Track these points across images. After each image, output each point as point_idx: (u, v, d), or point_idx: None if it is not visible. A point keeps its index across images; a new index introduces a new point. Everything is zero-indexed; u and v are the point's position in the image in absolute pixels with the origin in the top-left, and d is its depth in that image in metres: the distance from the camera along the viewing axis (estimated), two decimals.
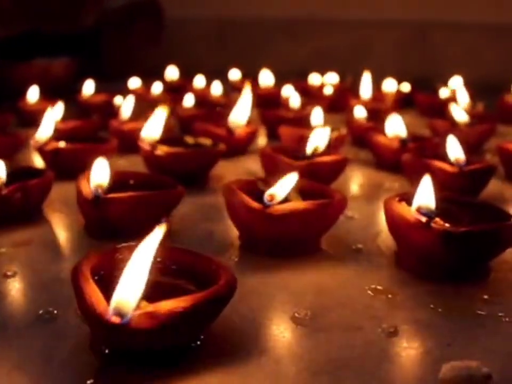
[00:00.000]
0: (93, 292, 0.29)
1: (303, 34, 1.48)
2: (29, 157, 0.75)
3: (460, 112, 0.78)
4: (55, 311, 0.36)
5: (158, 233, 0.31)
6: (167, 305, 0.29)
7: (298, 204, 0.43)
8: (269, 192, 0.42)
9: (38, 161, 0.72)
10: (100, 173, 0.47)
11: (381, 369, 0.31)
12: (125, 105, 0.76)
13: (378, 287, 0.41)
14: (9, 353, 0.32)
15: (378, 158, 0.69)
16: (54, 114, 0.70)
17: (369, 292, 0.40)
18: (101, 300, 0.29)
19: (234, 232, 0.49)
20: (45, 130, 0.63)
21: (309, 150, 0.57)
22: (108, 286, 0.31)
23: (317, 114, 0.72)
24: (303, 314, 0.37)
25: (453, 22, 1.37)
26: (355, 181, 0.65)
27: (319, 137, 0.57)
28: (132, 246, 0.36)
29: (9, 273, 0.42)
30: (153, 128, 0.61)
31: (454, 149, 0.56)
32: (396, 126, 0.67)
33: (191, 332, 0.31)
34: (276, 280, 0.41)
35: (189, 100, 0.88)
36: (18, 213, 0.51)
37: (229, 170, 0.67)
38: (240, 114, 0.71)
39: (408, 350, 0.33)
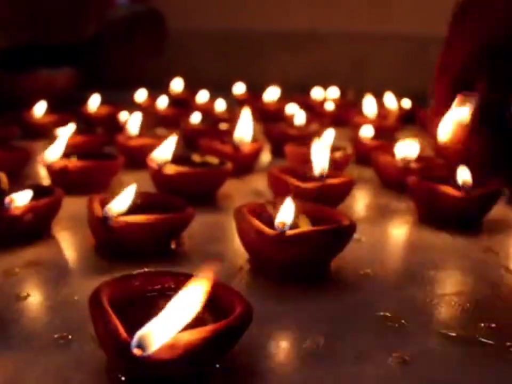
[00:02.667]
0: (113, 322, 0.29)
1: (304, 48, 1.49)
2: (34, 171, 0.75)
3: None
4: (70, 336, 0.37)
5: (201, 284, 0.31)
6: (185, 337, 0.29)
7: (309, 229, 0.43)
8: (278, 220, 0.43)
9: (43, 174, 0.73)
10: (122, 199, 0.47)
11: None
12: (132, 122, 0.76)
13: (388, 314, 0.41)
14: (26, 378, 0.32)
15: (382, 178, 0.70)
16: (66, 133, 0.70)
17: (379, 319, 0.40)
18: (121, 331, 0.29)
19: (243, 255, 0.49)
20: (55, 149, 0.63)
21: (316, 171, 0.57)
22: (124, 313, 0.31)
23: (328, 135, 0.72)
24: (316, 342, 0.37)
25: None
26: (361, 202, 0.66)
27: (321, 157, 0.58)
28: (146, 273, 0.36)
29: (22, 294, 0.42)
30: (164, 149, 0.61)
31: (463, 172, 0.56)
32: (405, 149, 0.68)
33: (208, 361, 0.31)
34: (287, 306, 0.41)
35: (195, 117, 0.89)
36: (28, 232, 0.51)
37: (236, 189, 0.67)
38: (244, 131, 0.72)
39: (416, 379, 0.34)
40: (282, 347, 0.37)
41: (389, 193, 0.68)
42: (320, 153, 0.58)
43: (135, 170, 0.72)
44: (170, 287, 0.36)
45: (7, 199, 0.49)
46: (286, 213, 0.43)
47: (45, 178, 0.72)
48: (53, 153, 0.63)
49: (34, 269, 0.46)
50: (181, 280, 0.35)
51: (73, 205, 0.57)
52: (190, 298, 0.30)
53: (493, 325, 0.40)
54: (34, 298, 0.42)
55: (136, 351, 0.28)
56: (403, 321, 0.40)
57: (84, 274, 0.46)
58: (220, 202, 0.64)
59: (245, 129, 0.71)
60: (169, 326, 0.29)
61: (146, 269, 0.40)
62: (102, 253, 0.50)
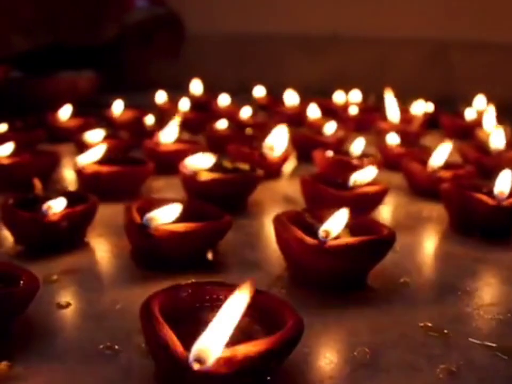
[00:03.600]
0: (169, 336, 0.29)
1: (323, 51, 1.49)
2: (62, 176, 0.76)
3: (497, 138, 0.78)
4: (116, 346, 0.37)
5: (246, 291, 0.31)
6: (242, 350, 0.29)
7: (352, 240, 0.43)
8: (323, 228, 0.43)
9: (70, 178, 0.73)
10: (167, 211, 0.47)
11: None
12: (169, 129, 0.76)
13: (430, 324, 0.41)
14: None
15: (413, 185, 0.70)
16: (96, 138, 0.70)
17: (422, 329, 0.40)
18: (178, 345, 0.29)
19: (280, 262, 0.49)
20: (90, 155, 0.63)
21: (352, 181, 0.57)
22: (173, 325, 0.31)
23: (357, 143, 0.72)
24: (363, 353, 0.37)
25: (474, 41, 1.38)
26: (393, 210, 0.65)
27: (364, 174, 0.58)
28: (194, 284, 0.36)
29: (62, 303, 0.42)
30: (199, 157, 0.61)
31: (503, 182, 0.56)
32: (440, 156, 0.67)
33: (262, 374, 0.31)
34: (329, 316, 0.41)
35: (221, 123, 0.89)
36: (64, 239, 0.51)
37: (266, 196, 0.67)
38: (278, 139, 0.72)
39: None
40: (329, 358, 0.36)
41: (420, 200, 0.68)
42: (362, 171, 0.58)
43: (163, 175, 0.72)
44: (218, 298, 0.36)
45: (44, 206, 0.49)
46: (334, 223, 0.43)
47: (73, 183, 0.72)
48: (85, 158, 0.63)
49: (73, 277, 0.46)
50: (230, 290, 0.35)
51: (105, 211, 0.57)
52: (233, 307, 0.30)
53: None
54: (76, 307, 0.42)
55: (195, 365, 0.28)
56: (445, 331, 0.40)
57: (123, 283, 0.46)
58: (251, 209, 0.63)
59: (277, 141, 0.71)
60: (220, 338, 0.29)
61: (193, 280, 0.40)
62: (138, 260, 0.50)
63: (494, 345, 0.38)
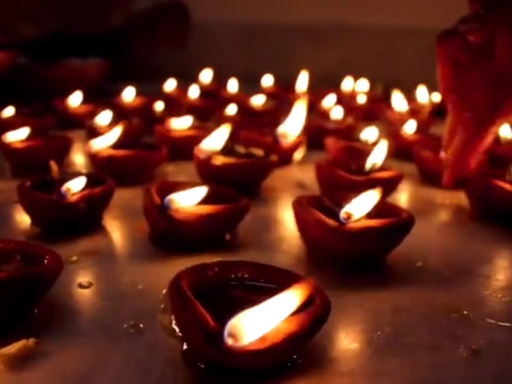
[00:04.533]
0: (201, 312, 0.30)
1: (330, 40, 1.49)
2: (74, 160, 0.76)
3: (506, 128, 0.78)
4: (141, 325, 0.37)
5: (301, 289, 0.31)
6: (275, 328, 0.29)
7: (373, 222, 0.43)
8: (345, 209, 0.43)
9: (81, 162, 0.73)
10: (189, 195, 0.47)
11: None
12: (181, 121, 0.76)
13: (449, 305, 0.41)
14: (108, 367, 0.32)
15: (424, 172, 0.70)
16: (104, 121, 0.70)
17: (442, 310, 0.40)
18: (211, 321, 0.29)
19: (298, 245, 0.49)
20: (104, 139, 0.63)
21: (368, 165, 0.57)
22: (202, 302, 0.31)
23: (370, 131, 0.72)
24: (386, 332, 0.37)
25: None
26: (406, 196, 0.66)
27: (379, 152, 0.58)
28: (220, 262, 0.36)
29: (84, 283, 0.42)
30: (213, 140, 0.61)
31: None
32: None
33: (291, 353, 0.31)
34: (349, 297, 0.42)
35: (231, 109, 0.89)
36: (82, 221, 0.52)
37: (280, 181, 0.67)
38: (292, 126, 0.72)
39: (490, 371, 0.34)
40: (352, 337, 0.37)
41: (432, 187, 0.68)
42: (375, 150, 0.58)
43: (175, 161, 0.72)
44: (244, 277, 0.36)
45: (63, 188, 0.49)
46: (357, 206, 0.43)
47: (85, 167, 0.72)
48: (99, 142, 0.63)
49: (92, 258, 0.47)
50: (257, 270, 0.36)
51: (119, 195, 0.57)
52: (287, 299, 0.30)
53: None
54: (97, 287, 0.42)
55: (229, 340, 0.28)
56: (465, 312, 0.40)
57: (143, 263, 0.46)
58: (265, 194, 0.64)
59: (294, 123, 0.72)
60: (261, 320, 0.29)
61: (219, 259, 0.40)
62: (156, 242, 0.50)
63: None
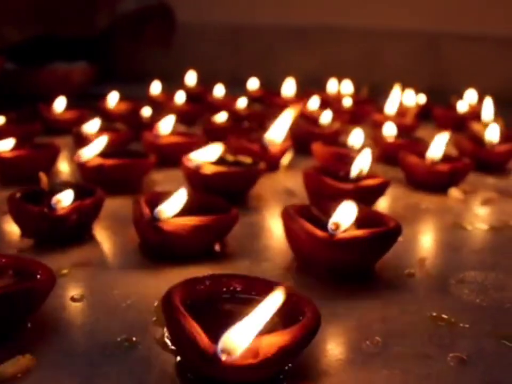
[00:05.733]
0: (194, 327, 0.30)
1: (315, 42, 1.49)
2: (61, 169, 0.76)
3: (493, 132, 0.79)
4: (134, 338, 0.37)
5: (279, 295, 0.32)
6: (266, 341, 0.30)
7: (361, 233, 0.44)
8: (333, 220, 0.44)
9: (67, 170, 0.73)
10: (173, 202, 0.47)
11: None
12: (165, 123, 0.77)
13: (436, 314, 0.42)
14: (99, 382, 0.33)
15: (410, 177, 0.71)
16: (92, 129, 0.70)
17: (430, 319, 0.41)
18: (203, 336, 0.30)
19: (286, 254, 0.50)
20: (92, 148, 0.64)
21: (354, 172, 0.58)
22: (194, 316, 0.32)
23: (356, 135, 0.73)
24: (375, 342, 0.38)
25: (464, 33, 1.39)
26: (391, 202, 0.66)
27: (364, 159, 0.58)
28: (212, 276, 0.37)
29: (76, 296, 0.43)
30: (206, 153, 0.62)
31: None
32: (437, 148, 0.69)
33: (284, 364, 0.32)
34: (339, 307, 0.42)
35: (220, 116, 0.89)
36: (72, 232, 0.52)
37: (267, 188, 0.68)
38: (277, 132, 0.72)
39: (478, 378, 0.34)
40: (342, 347, 0.37)
41: (418, 192, 0.69)
42: (361, 156, 0.59)
43: (163, 168, 0.72)
44: (235, 290, 0.37)
45: (54, 200, 0.50)
46: (344, 216, 0.44)
47: (73, 176, 0.72)
48: (88, 151, 0.64)
49: (83, 270, 0.47)
50: (245, 282, 0.36)
51: (109, 204, 0.58)
52: (268, 305, 0.31)
53: None
54: (90, 300, 0.42)
55: (222, 356, 0.29)
56: (453, 320, 0.41)
57: (134, 275, 0.46)
58: (253, 202, 0.64)
59: (280, 130, 0.72)
60: (249, 331, 0.30)
61: (204, 271, 0.41)
62: (146, 253, 0.50)
63: (499, 333, 0.40)
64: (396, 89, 1.07)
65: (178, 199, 0.47)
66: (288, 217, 0.46)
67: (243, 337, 0.29)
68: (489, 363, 0.36)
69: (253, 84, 1.25)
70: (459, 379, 0.34)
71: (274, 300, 0.32)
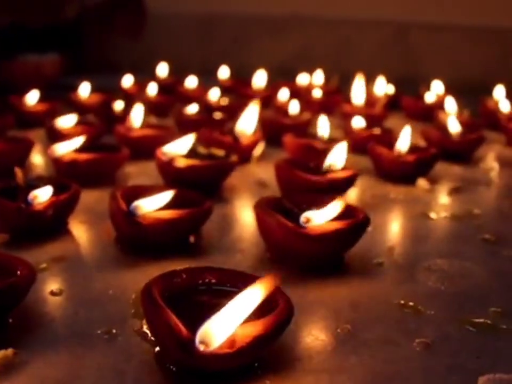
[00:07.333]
0: (173, 319, 0.31)
1: (286, 32, 1.50)
2: (34, 162, 0.76)
3: (453, 123, 0.82)
4: (114, 330, 0.38)
5: (262, 286, 0.33)
6: (241, 332, 0.31)
7: (330, 225, 0.46)
8: (305, 215, 0.45)
9: (40, 164, 0.74)
10: (155, 200, 0.49)
11: (426, 382, 0.34)
12: (135, 113, 0.78)
13: (403, 301, 0.44)
14: (83, 373, 0.34)
15: (379, 168, 0.72)
16: (67, 124, 0.71)
17: (397, 306, 0.43)
18: (183, 328, 0.31)
19: (259, 245, 0.51)
20: (68, 145, 0.64)
21: (325, 165, 0.60)
22: (172, 308, 0.33)
23: (322, 125, 0.75)
24: (345, 330, 0.39)
25: (433, 23, 1.41)
26: (360, 192, 0.68)
27: (337, 153, 0.60)
28: (189, 269, 0.38)
29: (55, 290, 0.44)
30: (178, 145, 0.63)
31: None
32: (404, 139, 0.71)
33: (259, 353, 0.34)
34: (310, 296, 0.44)
35: (191, 108, 0.90)
36: (48, 227, 0.53)
37: (240, 180, 0.69)
38: (247, 124, 0.74)
39: (443, 363, 0.36)
40: (315, 335, 0.39)
41: (386, 183, 0.71)
42: (334, 149, 0.60)
43: (136, 161, 0.73)
44: (211, 282, 0.38)
45: (30, 196, 0.50)
46: (321, 215, 0.45)
47: (46, 170, 0.73)
48: (62, 146, 0.64)
49: (61, 264, 0.48)
50: (221, 274, 0.38)
51: (83, 198, 0.58)
52: (250, 297, 0.32)
53: (499, 310, 0.43)
54: (69, 293, 0.43)
55: (201, 347, 0.30)
56: (419, 307, 0.43)
57: (112, 268, 0.47)
58: (226, 194, 0.66)
59: (248, 122, 0.73)
60: (229, 323, 0.31)
61: (179, 264, 0.42)
62: (123, 246, 0.51)
63: (464, 319, 0.42)
64: (359, 80, 1.09)
65: (161, 199, 0.49)
66: (260, 210, 0.48)
67: (222, 328, 0.31)
68: (454, 348, 0.38)
69: (224, 73, 1.26)
70: (424, 363, 0.36)
71: (257, 292, 0.33)
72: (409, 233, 0.59)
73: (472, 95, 1.07)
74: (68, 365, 0.35)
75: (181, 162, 0.61)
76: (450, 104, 0.97)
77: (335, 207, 0.46)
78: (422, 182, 0.69)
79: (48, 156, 0.67)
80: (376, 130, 0.83)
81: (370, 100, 1.05)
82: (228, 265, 0.42)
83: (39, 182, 0.55)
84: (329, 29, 1.47)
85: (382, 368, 0.36)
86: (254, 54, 1.47)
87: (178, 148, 0.62)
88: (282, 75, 1.26)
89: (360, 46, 1.46)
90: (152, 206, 0.48)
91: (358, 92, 1.04)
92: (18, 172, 0.55)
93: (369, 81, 1.16)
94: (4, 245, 0.51)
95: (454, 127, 0.81)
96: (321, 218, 0.45)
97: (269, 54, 1.46)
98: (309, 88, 1.17)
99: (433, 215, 0.62)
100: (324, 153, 0.63)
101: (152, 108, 0.97)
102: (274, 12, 1.48)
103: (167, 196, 0.49)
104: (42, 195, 0.51)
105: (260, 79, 1.18)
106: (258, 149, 0.81)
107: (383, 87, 1.14)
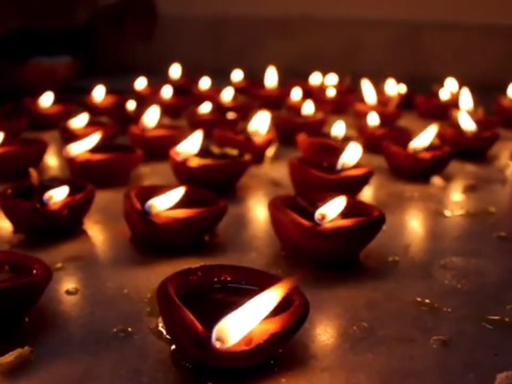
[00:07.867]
0: (189, 317, 0.31)
1: (296, 33, 1.50)
2: (49, 164, 0.77)
3: (467, 120, 0.81)
4: (129, 329, 0.38)
5: (281, 287, 0.33)
6: (258, 329, 0.31)
7: (345, 222, 0.45)
8: (320, 211, 0.45)
9: (55, 165, 0.74)
10: (168, 198, 0.49)
11: (443, 379, 0.34)
12: (149, 114, 0.78)
13: (419, 299, 0.44)
14: (100, 372, 0.34)
15: (393, 166, 0.72)
16: (79, 124, 0.71)
17: (413, 304, 0.43)
18: (199, 325, 0.31)
19: (274, 244, 0.51)
20: (82, 145, 0.64)
21: (340, 164, 0.60)
22: (187, 305, 0.33)
23: (338, 126, 0.75)
24: (361, 327, 0.39)
25: (445, 22, 1.40)
26: (376, 191, 0.68)
27: (351, 152, 0.60)
28: (204, 267, 0.38)
29: (71, 290, 0.44)
30: (189, 143, 0.63)
31: None
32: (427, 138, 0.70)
33: (276, 351, 0.34)
34: (326, 294, 0.44)
35: (205, 108, 0.90)
36: (64, 227, 0.53)
37: (254, 180, 0.69)
38: (260, 124, 0.74)
39: (460, 360, 0.36)
40: (330, 333, 0.39)
41: (401, 181, 0.70)
42: (349, 149, 0.60)
43: (150, 162, 0.73)
44: (226, 280, 0.38)
45: (46, 196, 0.51)
46: (330, 208, 0.45)
47: (61, 170, 0.73)
48: (77, 146, 0.65)
49: (77, 264, 0.48)
50: (237, 272, 0.38)
51: (98, 198, 0.58)
52: (268, 297, 0.32)
53: None
54: (84, 293, 0.44)
55: (217, 344, 0.30)
56: (436, 304, 0.43)
57: (127, 268, 0.48)
58: (240, 193, 0.66)
59: (262, 122, 0.73)
60: (246, 321, 0.31)
61: (195, 262, 0.42)
62: (138, 245, 0.51)
63: (480, 316, 0.41)
64: (366, 81, 1.08)
65: (173, 195, 0.49)
66: (275, 208, 0.48)
67: (239, 326, 0.31)
68: (470, 345, 0.38)
69: (237, 75, 1.26)
70: (441, 361, 0.36)
71: (275, 293, 0.33)
72: (425, 231, 0.59)
73: (485, 93, 1.06)
74: (83, 364, 0.35)
75: (195, 162, 0.61)
76: (466, 101, 0.96)
77: (341, 201, 0.46)
78: (436, 180, 0.69)
79: (63, 156, 0.67)
80: (390, 129, 0.83)
81: (383, 99, 1.04)
82: (243, 264, 0.42)
83: (53, 182, 0.55)
84: (341, 29, 1.47)
85: (398, 366, 0.36)
86: (265, 55, 1.46)
87: (190, 147, 0.62)
88: (296, 76, 1.25)
89: (372, 46, 1.46)
90: (166, 204, 0.48)
91: (369, 92, 1.03)
92: (33, 173, 0.56)
93: (381, 80, 1.16)
94: (20, 245, 0.51)
95: (468, 125, 0.81)
96: (334, 212, 0.45)
97: (280, 55, 1.46)
98: (322, 88, 1.16)
99: (448, 213, 0.61)
100: (338, 151, 0.63)
101: (165, 109, 0.97)
102: (285, 13, 1.48)
103: (179, 191, 0.49)
104: (58, 195, 0.51)
105: (271, 79, 1.18)
106: (272, 149, 0.81)
107: (393, 86, 1.13)
